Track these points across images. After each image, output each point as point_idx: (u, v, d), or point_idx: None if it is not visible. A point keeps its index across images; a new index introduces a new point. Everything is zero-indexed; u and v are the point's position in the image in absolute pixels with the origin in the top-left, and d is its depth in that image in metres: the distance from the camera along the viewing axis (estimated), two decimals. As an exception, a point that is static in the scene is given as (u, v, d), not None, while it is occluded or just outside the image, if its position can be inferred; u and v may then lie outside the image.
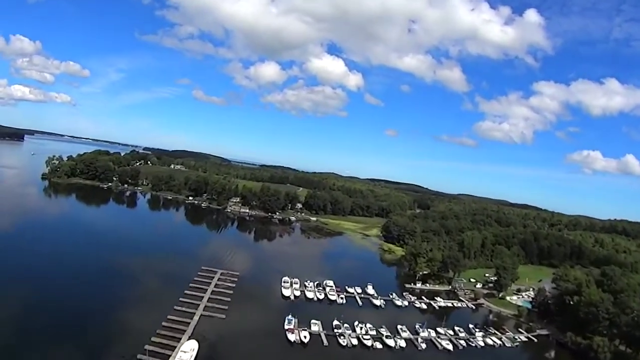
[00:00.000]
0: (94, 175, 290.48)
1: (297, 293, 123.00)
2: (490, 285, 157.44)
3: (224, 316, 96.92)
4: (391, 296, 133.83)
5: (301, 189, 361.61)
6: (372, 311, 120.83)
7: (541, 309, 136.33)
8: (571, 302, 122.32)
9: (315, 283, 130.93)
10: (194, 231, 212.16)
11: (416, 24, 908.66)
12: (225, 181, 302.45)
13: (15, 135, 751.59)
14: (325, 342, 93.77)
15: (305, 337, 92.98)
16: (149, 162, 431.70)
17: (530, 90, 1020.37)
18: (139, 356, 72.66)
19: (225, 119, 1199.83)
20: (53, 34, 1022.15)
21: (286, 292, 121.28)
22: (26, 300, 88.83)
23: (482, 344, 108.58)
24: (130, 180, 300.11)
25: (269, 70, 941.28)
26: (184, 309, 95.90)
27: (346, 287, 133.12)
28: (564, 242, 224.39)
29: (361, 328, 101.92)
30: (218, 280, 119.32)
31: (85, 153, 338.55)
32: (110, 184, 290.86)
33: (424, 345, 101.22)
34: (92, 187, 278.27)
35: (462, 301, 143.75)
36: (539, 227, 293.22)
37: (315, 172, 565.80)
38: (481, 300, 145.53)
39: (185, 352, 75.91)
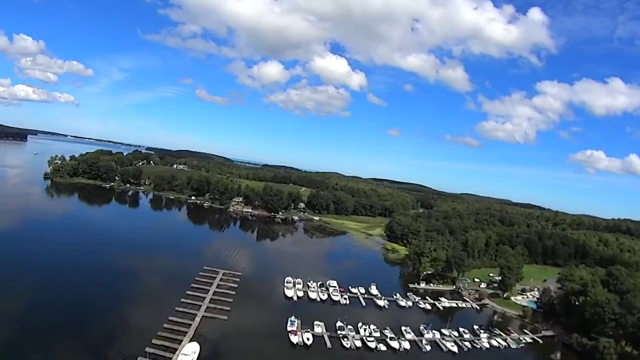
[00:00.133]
0: (97, 175, 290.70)
1: (300, 293, 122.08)
2: (495, 285, 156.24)
3: (225, 317, 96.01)
4: (395, 296, 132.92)
5: (304, 188, 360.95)
6: (375, 312, 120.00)
7: (546, 309, 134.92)
8: (577, 303, 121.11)
9: (319, 283, 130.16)
10: (196, 231, 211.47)
11: (419, 23, 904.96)
12: (228, 181, 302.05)
13: (19, 135, 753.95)
14: (329, 344, 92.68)
15: (308, 339, 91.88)
16: (151, 162, 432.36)
17: (534, 90, 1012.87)
18: (139, 358, 71.91)
19: (228, 119, 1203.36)
20: (56, 34, 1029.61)
21: (289, 293, 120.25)
22: (29, 298, 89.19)
23: (487, 345, 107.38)
24: (132, 180, 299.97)
25: (272, 70, 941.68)
26: (185, 309, 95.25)
27: (349, 287, 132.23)
28: (568, 241, 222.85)
29: (365, 330, 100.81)
30: (220, 280, 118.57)
31: (87, 153, 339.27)
32: (112, 183, 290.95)
33: (428, 347, 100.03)
34: (94, 186, 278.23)
35: (467, 301, 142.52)
36: (542, 227, 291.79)
37: (318, 172, 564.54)
38: (486, 301, 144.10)
39: (186, 354, 74.99)
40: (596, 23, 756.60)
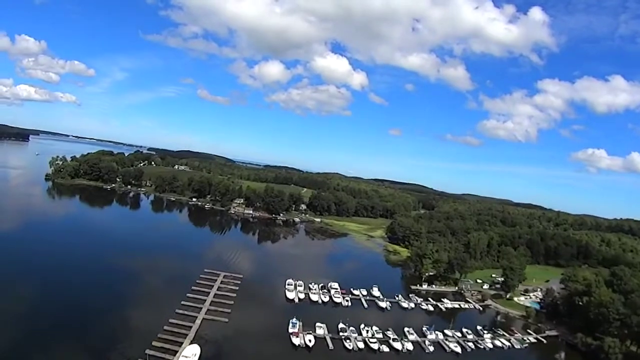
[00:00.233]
0: (98, 176, 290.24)
1: (302, 295, 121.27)
2: (497, 286, 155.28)
3: (226, 320, 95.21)
4: (397, 298, 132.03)
5: (305, 189, 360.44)
6: (378, 313, 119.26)
7: (549, 309, 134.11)
8: (580, 303, 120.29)
9: (320, 285, 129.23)
10: (197, 233, 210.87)
11: (420, 22, 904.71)
12: (229, 182, 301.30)
13: (21, 135, 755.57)
14: (331, 346, 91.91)
15: (310, 340, 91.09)
16: (152, 163, 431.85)
17: (535, 89, 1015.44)
18: (139, 361, 71.20)
19: (229, 119, 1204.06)
20: (58, 34, 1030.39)
21: (290, 295, 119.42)
22: (30, 299, 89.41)
23: (490, 345, 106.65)
24: (133, 181, 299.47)
25: (274, 70, 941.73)
26: (186, 312, 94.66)
27: (351, 289, 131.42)
28: (571, 242, 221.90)
29: (367, 331, 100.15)
30: (221, 282, 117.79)
31: (89, 153, 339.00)
32: (113, 185, 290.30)
33: (431, 348, 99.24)
34: (95, 188, 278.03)
35: (469, 302, 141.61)
36: (544, 227, 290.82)
37: (319, 172, 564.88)
38: (488, 302, 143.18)
39: (187, 357, 74.37)
40: (597, 21, 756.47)
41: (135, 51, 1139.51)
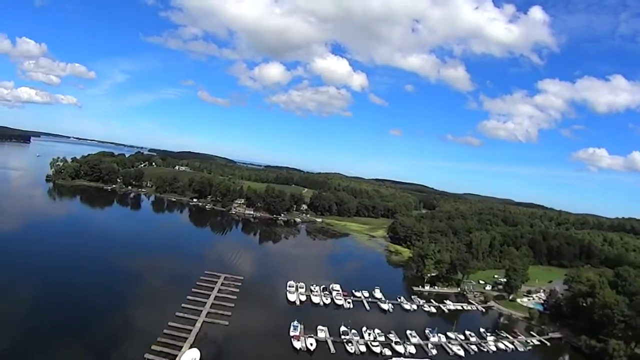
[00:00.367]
0: (98, 177, 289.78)
1: (303, 298, 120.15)
2: (500, 287, 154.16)
3: (227, 323, 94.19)
4: (399, 300, 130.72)
5: (306, 189, 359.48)
6: (380, 316, 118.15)
7: (553, 311, 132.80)
8: (584, 304, 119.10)
9: (322, 287, 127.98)
10: (197, 233, 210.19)
11: (420, 23, 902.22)
12: (230, 182, 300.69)
13: (22, 137, 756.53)
14: (333, 350, 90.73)
15: (311, 344, 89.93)
16: (153, 164, 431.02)
17: (535, 89, 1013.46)
18: (139, 365, 70.37)
19: (230, 120, 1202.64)
20: (58, 36, 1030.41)
21: (291, 297, 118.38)
22: (31, 300, 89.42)
23: (494, 348, 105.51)
24: (134, 182, 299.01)
25: (274, 71, 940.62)
26: (186, 315, 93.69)
27: (353, 291, 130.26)
28: (573, 241, 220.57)
29: (369, 334, 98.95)
30: (221, 284, 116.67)
31: (89, 155, 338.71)
32: (114, 186, 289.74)
33: (434, 351, 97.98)
34: (96, 188, 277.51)
35: (472, 304, 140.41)
36: (546, 227, 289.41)
37: (320, 173, 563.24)
38: (491, 303, 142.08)
39: (187, 361, 73.37)
40: (598, 21, 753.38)
41: (135, 53, 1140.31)
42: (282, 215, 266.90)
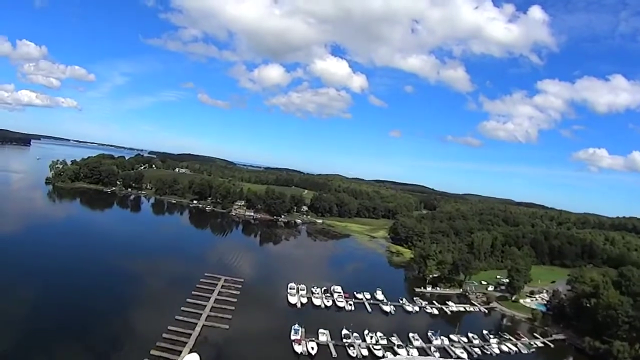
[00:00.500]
0: (98, 179, 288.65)
1: (304, 300, 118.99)
2: (502, 287, 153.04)
3: (227, 326, 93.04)
4: (401, 301, 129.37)
5: (306, 191, 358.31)
6: (382, 318, 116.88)
7: (556, 312, 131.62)
8: (588, 305, 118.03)
9: (323, 289, 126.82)
10: (198, 235, 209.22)
11: (419, 24, 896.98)
12: (230, 184, 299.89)
13: (22, 140, 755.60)
14: (334, 354, 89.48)
15: (312, 348, 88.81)
16: (153, 166, 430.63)
17: (535, 89, 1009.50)
18: (137, 371, 69.34)
19: (230, 122, 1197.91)
20: (58, 39, 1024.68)
21: (292, 300, 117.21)
22: (31, 301, 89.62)
23: (497, 351, 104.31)
24: (134, 184, 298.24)
25: (273, 73, 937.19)
26: (185, 318, 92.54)
27: (354, 292, 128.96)
28: (575, 241, 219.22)
29: (371, 337, 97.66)
30: (222, 287, 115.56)
31: (89, 157, 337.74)
32: (114, 188, 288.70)
33: (437, 354, 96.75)
34: (95, 191, 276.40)
35: (475, 305, 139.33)
36: (547, 226, 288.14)
37: (320, 174, 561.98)
38: (494, 304, 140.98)
39: (186, 366, 72.20)
40: (598, 20, 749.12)
41: (135, 55, 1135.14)
42: (283, 216, 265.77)
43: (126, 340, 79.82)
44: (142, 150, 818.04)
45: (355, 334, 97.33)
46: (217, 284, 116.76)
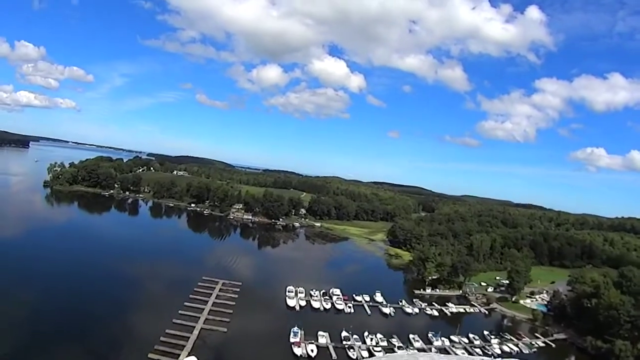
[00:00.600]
0: (96, 182, 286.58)
1: (303, 303, 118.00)
2: (502, 288, 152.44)
3: (225, 329, 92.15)
4: (401, 303, 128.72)
5: (305, 193, 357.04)
6: (381, 320, 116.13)
7: (557, 312, 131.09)
8: (589, 305, 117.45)
9: (322, 292, 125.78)
10: (195, 239, 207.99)
11: (417, 24, 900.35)
12: (228, 187, 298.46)
13: (21, 141, 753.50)
14: (334, 356, 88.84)
15: (312, 350, 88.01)
16: (151, 169, 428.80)
17: (533, 88, 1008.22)
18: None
19: (228, 123, 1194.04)
20: (56, 40, 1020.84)
21: (291, 302, 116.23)
22: (29, 304, 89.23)
23: (498, 351, 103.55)
24: (132, 188, 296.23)
25: (272, 73, 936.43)
26: (183, 321, 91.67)
27: (354, 295, 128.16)
28: (574, 242, 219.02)
29: (371, 339, 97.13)
30: (219, 290, 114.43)
31: (87, 160, 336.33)
32: (111, 191, 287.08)
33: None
34: (93, 194, 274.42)
35: (475, 306, 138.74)
36: (546, 227, 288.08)
37: (318, 176, 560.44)
38: (494, 305, 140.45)
39: (184, 370, 71.49)
40: (595, 19, 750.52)
41: (133, 56, 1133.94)
42: (281, 219, 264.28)
43: (124, 344, 79.08)
44: (140, 152, 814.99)
45: (355, 336, 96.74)
46: (215, 287, 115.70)
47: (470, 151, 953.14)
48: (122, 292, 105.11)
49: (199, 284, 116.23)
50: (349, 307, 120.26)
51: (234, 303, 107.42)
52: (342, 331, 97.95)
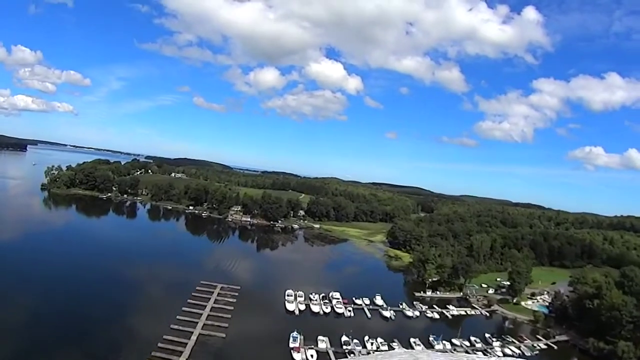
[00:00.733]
0: (93, 185, 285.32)
1: (302, 307, 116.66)
2: (503, 290, 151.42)
3: (224, 335, 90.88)
4: (401, 306, 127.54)
5: (303, 195, 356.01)
6: (382, 323, 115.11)
7: (558, 313, 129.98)
8: (591, 306, 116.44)
9: (321, 295, 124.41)
10: (193, 242, 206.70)
11: (414, 26, 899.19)
12: (226, 189, 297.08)
13: (18, 145, 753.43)
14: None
15: (312, 355, 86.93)
16: (149, 171, 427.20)
17: (530, 88, 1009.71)
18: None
19: (226, 126, 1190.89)
20: (53, 44, 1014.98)
21: (290, 307, 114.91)
22: (27, 308, 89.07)
23: (500, 354, 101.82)
24: (129, 190, 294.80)
25: (269, 76, 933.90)
26: (181, 327, 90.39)
27: (353, 298, 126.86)
28: (574, 241, 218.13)
29: (372, 343, 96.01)
30: (218, 295, 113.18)
31: (84, 163, 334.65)
32: (109, 194, 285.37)
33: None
34: (91, 197, 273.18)
35: (475, 308, 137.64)
36: (545, 227, 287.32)
37: (317, 178, 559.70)
38: (495, 307, 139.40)
39: (182, 377, 70.27)
40: (592, 19, 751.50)
41: (130, 60, 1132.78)
42: (279, 221, 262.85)
43: (121, 350, 77.90)
44: (138, 155, 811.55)
45: (355, 340, 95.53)
46: (213, 292, 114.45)
47: (468, 151, 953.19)
48: (119, 296, 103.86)
49: (197, 288, 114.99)
50: (349, 310, 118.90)
51: (232, 308, 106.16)
52: (342, 335, 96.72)
